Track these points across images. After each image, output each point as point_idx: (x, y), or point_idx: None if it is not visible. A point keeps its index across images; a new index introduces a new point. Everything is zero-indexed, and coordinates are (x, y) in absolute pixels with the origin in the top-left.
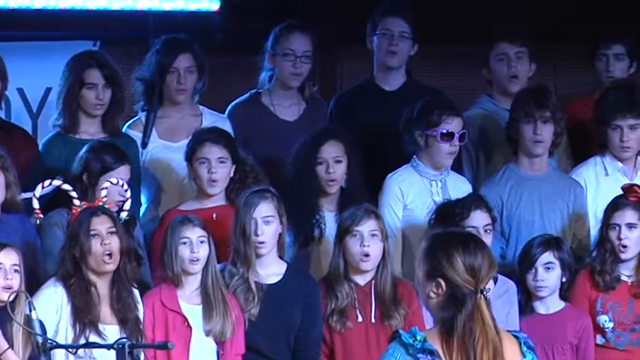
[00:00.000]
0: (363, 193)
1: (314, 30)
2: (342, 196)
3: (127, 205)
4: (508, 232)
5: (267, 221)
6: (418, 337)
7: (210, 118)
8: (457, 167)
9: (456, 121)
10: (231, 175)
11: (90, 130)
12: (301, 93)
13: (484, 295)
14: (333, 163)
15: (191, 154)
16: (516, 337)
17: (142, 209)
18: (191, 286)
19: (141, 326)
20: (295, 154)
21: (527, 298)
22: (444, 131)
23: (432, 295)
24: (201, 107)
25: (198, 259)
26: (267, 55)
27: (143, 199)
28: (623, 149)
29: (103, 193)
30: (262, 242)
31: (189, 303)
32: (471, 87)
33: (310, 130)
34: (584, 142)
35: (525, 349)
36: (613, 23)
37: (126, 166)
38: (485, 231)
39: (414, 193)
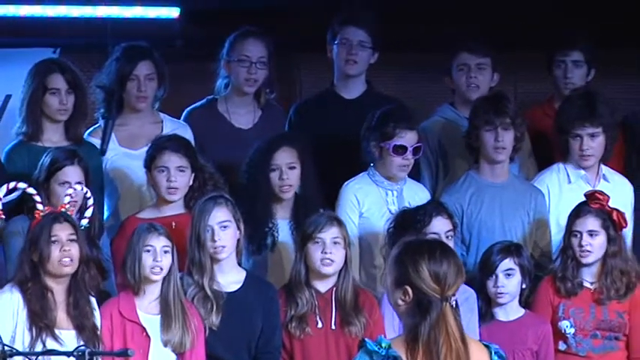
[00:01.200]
0: (318, 200)
1: (270, 36)
2: (297, 202)
3: (89, 213)
4: (468, 239)
5: (223, 226)
6: (383, 345)
7: (171, 126)
8: (416, 175)
9: (409, 134)
10: (191, 183)
11: (53, 137)
12: (257, 100)
13: (450, 303)
14: (287, 170)
15: (150, 162)
16: (487, 346)
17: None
18: (151, 295)
19: (98, 333)
20: (249, 160)
21: (487, 305)
22: (397, 144)
23: (400, 302)
24: (161, 115)
25: (160, 269)
26: (222, 62)
27: (105, 206)
28: (584, 158)
29: (67, 199)
30: (221, 247)
31: (148, 313)
32: (432, 95)
33: (265, 137)
34: (543, 149)
35: (496, 358)
36: (571, 31)
37: (76, 167)
38: (447, 237)
39: (370, 202)
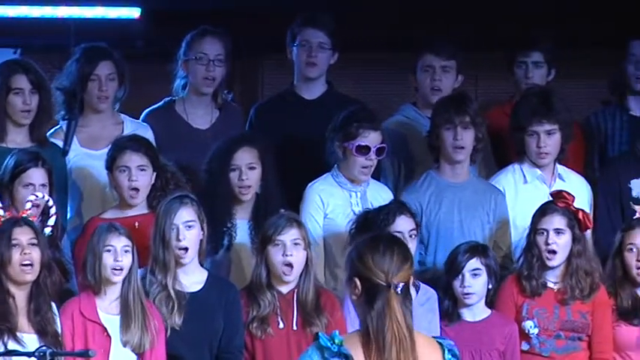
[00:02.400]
0: (278, 200)
1: (227, 35)
2: (257, 203)
3: (52, 222)
4: (427, 239)
5: (188, 226)
6: (336, 341)
7: (132, 126)
8: (378, 175)
9: (373, 134)
10: (152, 182)
11: (17, 139)
12: (214, 100)
13: (397, 291)
14: (247, 170)
15: (111, 163)
16: (440, 344)
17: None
18: (111, 295)
19: (60, 338)
20: (209, 160)
21: (453, 306)
22: (361, 144)
23: (354, 297)
24: (122, 116)
25: (121, 269)
26: (180, 62)
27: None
28: (541, 155)
29: (28, 205)
30: (184, 248)
31: (109, 313)
32: (393, 94)
33: (223, 137)
34: (502, 150)
35: (449, 356)
36: (532, 31)
37: (40, 169)
38: (410, 236)
39: (334, 203)
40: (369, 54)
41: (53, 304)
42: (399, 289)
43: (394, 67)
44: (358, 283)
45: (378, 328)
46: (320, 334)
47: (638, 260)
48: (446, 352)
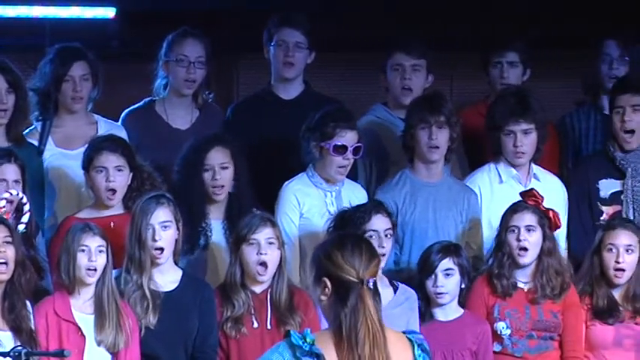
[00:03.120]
0: (251, 200)
1: (209, 37)
2: (230, 203)
3: (25, 218)
4: (402, 238)
5: (164, 226)
6: (308, 339)
7: (106, 127)
8: (352, 174)
9: (350, 134)
10: (129, 182)
11: None
12: (195, 100)
13: (368, 286)
14: (220, 170)
15: (88, 163)
16: (410, 339)
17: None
18: (85, 295)
19: (34, 336)
20: (181, 161)
21: (426, 305)
22: (337, 144)
23: (322, 297)
24: (95, 116)
25: (95, 269)
26: (161, 63)
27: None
28: (517, 155)
29: (2, 202)
30: (160, 248)
31: (83, 312)
32: (366, 95)
33: (197, 137)
34: (477, 149)
35: (419, 352)
36: (507, 31)
37: (13, 165)
38: (386, 235)
39: (310, 202)
40: (346, 54)
41: (28, 302)
42: (370, 285)
43: (371, 67)
44: (328, 282)
45: (352, 324)
46: (291, 332)
47: (617, 262)
48: (416, 347)
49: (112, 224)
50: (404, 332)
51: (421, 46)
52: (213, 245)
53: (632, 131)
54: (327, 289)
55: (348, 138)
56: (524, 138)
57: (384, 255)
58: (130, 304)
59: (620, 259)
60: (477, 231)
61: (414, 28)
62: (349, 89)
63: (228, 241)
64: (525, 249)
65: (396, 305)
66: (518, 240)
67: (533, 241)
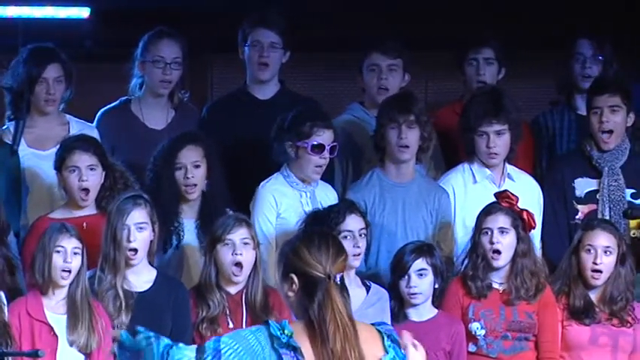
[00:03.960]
0: (225, 199)
1: (184, 37)
2: (204, 202)
3: None
4: (370, 238)
5: (140, 228)
6: (286, 332)
7: (77, 127)
8: (328, 174)
9: (327, 133)
10: (102, 181)
11: None
12: (171, 100)
13: (335, 281)
14: (192, 168)
15: (60, 163)
16: (379, 331)
17: None
18: (58, 295)
19: (9, 330)
20: (154, 159)
21: (400, 306)
22: (315, 143)
23: (290, 293)
24: (67, 116)
25: (70, 270)
26: (136, 63)
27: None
28: (490, 155)
29: None
30: (134, 249)
31: (56, 312)
32: (343, 94)
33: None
34: (452, 149)
35: (389, 343)
36: (482, 29)
37: None
38: (360, 235)
39: (287, 202)
40: (322, 54)
41: (2, 294)
42: (337, 280)
43: (347, 67)
44: (295, 278)
45: (320, 319)
46: (270, 322)
47: (594, 263)
48: (385, 338)
49: (84, 225)
50: (372, 324)
51: (397, 46)
52: (185, 245)
53: (610, 131)
54: (294, 285)
55: (325, 137)
56: (498, 139)
57: (359, 255)
58: (103, 304)
59: (598, 261)
60: (447, 232)
61: (389, 28)
62: (325, 89)
63: (201, 241)
64: (498, 251)
65: (368, 305)
66: (492, 243)
67: (506, 243)
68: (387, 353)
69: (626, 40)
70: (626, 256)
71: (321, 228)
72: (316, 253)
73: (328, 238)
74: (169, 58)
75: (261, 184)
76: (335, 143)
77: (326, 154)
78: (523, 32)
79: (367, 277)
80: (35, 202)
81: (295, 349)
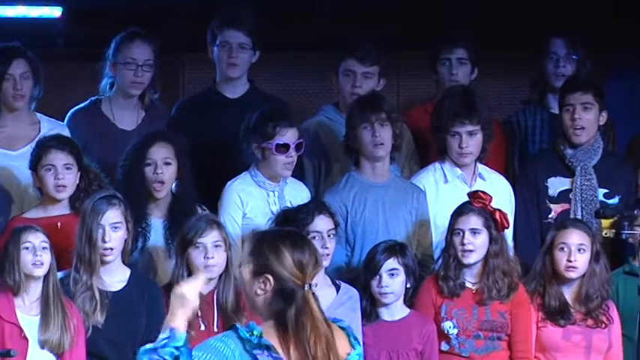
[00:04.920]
0: (194, 199)
1: (156, 38)
2: (173, 201)
3: None
4: (353, 239)
5: (115, 227)
6: (255, 333)
7: (49, 126)
8: (300, 174)
9: (290, 132)
10: (77, 182)
11: None
12: (141, 101)
13: (312, 290)
14: (162, 165)
15: (36, 162)
16: (344, 328)
17: None
18: (31, 296)
19: None
20: (124, 157)
21: (372, 305)
22: (279, 143)
23: (260, 292)
24: (38, 115)
25: (42, 263)
26: (108, 63)
27: None
28: (462, 155)
29: None
30: (110, 249)
31: (27, 314)
32: (317, 94)
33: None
34: (424, 149)
35: (353, 340)
36: (455, 29)
37: None
38: (329, 235)
39: (253, 202)
40: (293, 53)
41: None
42: (313, 288)
43: (318, 67)
44: (271, 279)
45: (299, 325)
46: (237, 325)
47: (568, 260)
48: (350, 336)
49: (58, 224)
50: (333, 321)
51: (374, 53)
52: (152, 245)
53: (582, 128)
54: (267, 285)
55: (289, 136)
56: (470, 139)
57: (327, 255)
58: (78, 304)
59: (572, 258)
60: (427, 229)
61: (361, 28)
62: (297, 88)
63: (168, 241)
64: (470, 251)
65: (339, 305)
66: (463, 244)
67: (478, 243)
68: (355, 349)
69: (599, 38)
70: (600, 254)
71: (300, 232)
72: (300, 261)
73: (311, 246)
74: (141, 60)
75: (228, 183)
76: (301, 140)
77: (292, 152)
78: (495, 32)
79: (351, 277)
80: (7, 202)
81: (268, 348)
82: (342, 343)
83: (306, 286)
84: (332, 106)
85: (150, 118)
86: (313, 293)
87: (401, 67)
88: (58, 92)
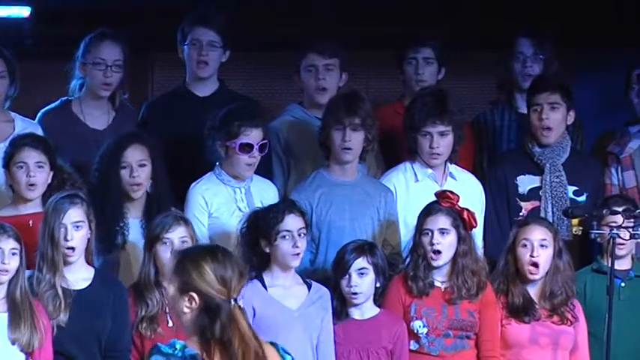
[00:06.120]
0: (169, 198)
1: (125, 39)
2: (148, 201)
3: None
4: (318, 238)
5: (77, 226)
6: (178, 346)
7: (22, 125)
8: (268, 173)
9: (255, 132)
10: (49, 181)
11: None
12: (111, 102)
13: (238, 304)
14: (137, 167)
15: (9, 160)
16: (272, 344)
17: None
18: None
19: None
20: (99, 158)
21: (342, 304)
22: (243, 142)
23: (186, 310)
24: (12, 114)
25: (7, 271)
26: (77, 64)
27: None
28: (433, 156)
29: None
30: (72, 248)
31: None
32: (285, 93)
33: (114, 135)
34: (393, 148)
35: (283, 353)
36: (422, 28)
37: None
38: (299, 235)
39: (218, 202)
40: (262, 52)
41: None
42: (240, 303)
43: (287, 66)
44: (196, 297)
45: (225, 341)
46: (158, 344)
47: (531, 256)
48: (279, 349)
49: (30, 222)
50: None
51: (333, 46)
52: (130, 244)
53: (549, 129)
54: (193, 303)
55: (253, 136)
56: (441, 140)
57: (298, 254)
58: (42, 303)
59: (535, 254)
60: (395, 229)
61: (328, 28)
62: (264, 87)
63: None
64: (438, 251)
65: (310, 303)
66: (432, 244)
67: (446, 243)
68: None
69: (567, 37)
70: (563, 251)
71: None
72: (223, 276)
73: (232, 259)
74: (110, 60)
75: (192, 185)
76: (265, 141)
77: (255, 152)
78: (466, 31)
79: (316, 276)
80: None
81: (193, 357)
82: (272, 357)
83: (232, 300)
84: (297, 105)
85: (120, 118)
86: (240, 307)
87: (369, 66)
88: (26, 91)
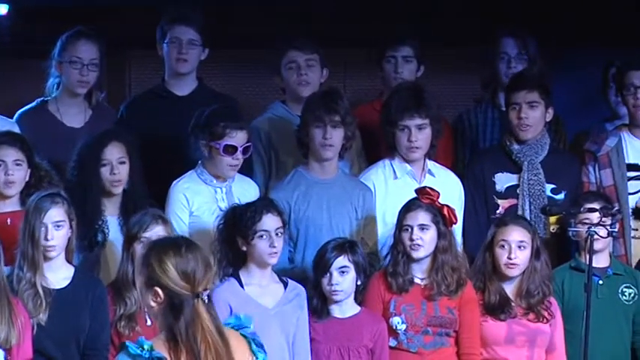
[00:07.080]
0: (145, 195)
1: (102, 37)
2: (125, 199)
3: None
4: (296, 236)
5: (57, 226)
6: (145, 347)
7: (0, 124)
8: (249, 172)
9: (240, 134)
10: (27, 179)
11: None
12: (88, 100)
13: (202, 299)
14: (118, 164)
15: None
16: (245, 336)
17: None
18: None
19: None
20: (77, 156)
21: (322, 302)
22: (227, 144)
23: (153, 303)
24: None
25: None
26: (54, 63)
27: None
28: (411, 150)
29: None
30: (52, 246)
31: None
32: (265, 92)
33: (92, 134)
34: (373, 146)
35: (255, 347)
36: (401, 27)
37: None
38: (277, 234)
39: (199, 200)
40: (241, 51)
41: None
42: (204, 298)
43: (263, 64)
44: (160, 292)
45: (189, 338)
46: (127, 343)
47: (509, 257)
48: (252, 343)
49: (8, 220)
50: (233, 327)
51: (312, 42)
52: (110, 242)
53: (528, 126)
54: (158, 298)
55: (238, 138)
56: (419, 133)
57: (275, 254)
58: (22, 301)
59: (512, 255)
60: (373, 227)
61: (306, 26)
62: (244, 86)
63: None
64: (418, 245)
65: (286, 302)
66: (412, 239)
67: (427, 239)
68: (257, 358)
69: (548, 35)
70: (541, 250)
71: (187, 239)
72: (185, 271)
73: (197, 253)
74: (87, 59)
75: (173, 183)
76: (249, 144)
77: (239, 154)
78: (446, 28)
79: (294, 274)
80: None
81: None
82: (241, 353)
83: (195, 296)
84: (280, 102)
85: (97, 117)
86: (205, 302)
87: (347, 64)
88: (2, 89)
